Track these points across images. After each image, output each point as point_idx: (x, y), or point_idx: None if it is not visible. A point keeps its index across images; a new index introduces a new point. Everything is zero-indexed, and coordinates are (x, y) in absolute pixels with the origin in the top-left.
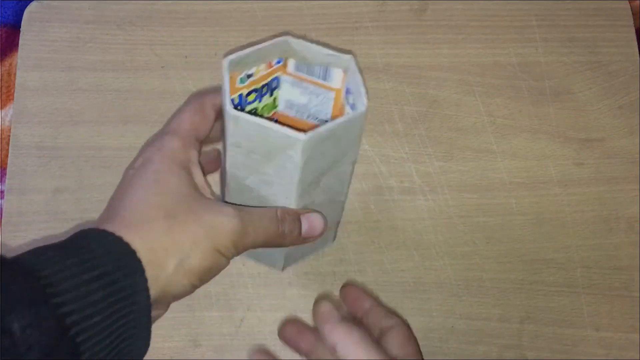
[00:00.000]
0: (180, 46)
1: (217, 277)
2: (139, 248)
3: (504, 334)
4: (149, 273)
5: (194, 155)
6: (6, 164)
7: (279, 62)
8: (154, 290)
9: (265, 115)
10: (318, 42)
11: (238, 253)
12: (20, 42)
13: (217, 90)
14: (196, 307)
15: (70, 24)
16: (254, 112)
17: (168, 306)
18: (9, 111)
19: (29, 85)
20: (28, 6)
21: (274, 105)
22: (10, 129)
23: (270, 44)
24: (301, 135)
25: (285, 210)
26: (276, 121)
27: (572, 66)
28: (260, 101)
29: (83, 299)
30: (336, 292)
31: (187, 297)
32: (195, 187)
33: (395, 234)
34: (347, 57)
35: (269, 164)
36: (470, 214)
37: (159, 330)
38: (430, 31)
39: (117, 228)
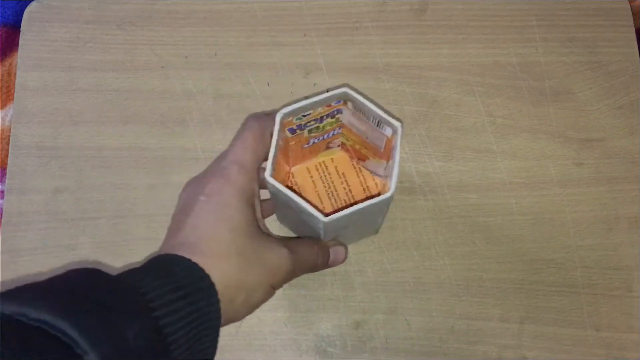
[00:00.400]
0: (180, 46)
1: None
2: (216, 280)
3: (504, 334)
4: (222, 304)
5: (256, 189)
6: (6, 164)
7: (338, 102)
8: (222, 315)
9: (328, 128)
10: (371, 100)
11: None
12: (20, 42)
13: (273, 116)
14: None
15: (70, 24)
16: (315, 128)
17: None
18: (9, 111)
19: (29, 85)
20: (28, 6)
21: (336, 122)
22: (10, 129)
23: (328, 96)
24: (322, 217)
25: (320, 246)
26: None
27: (572, 66)
28: (321, 123)
29: (174, 313)
30: (336, 292)
31: None
32: (257, 224)
33: (395, 234)
34: (397, 124)
35: (301, 215)
36: (470, 214)
37: None
38: (430, 31)
39: (196, 258)
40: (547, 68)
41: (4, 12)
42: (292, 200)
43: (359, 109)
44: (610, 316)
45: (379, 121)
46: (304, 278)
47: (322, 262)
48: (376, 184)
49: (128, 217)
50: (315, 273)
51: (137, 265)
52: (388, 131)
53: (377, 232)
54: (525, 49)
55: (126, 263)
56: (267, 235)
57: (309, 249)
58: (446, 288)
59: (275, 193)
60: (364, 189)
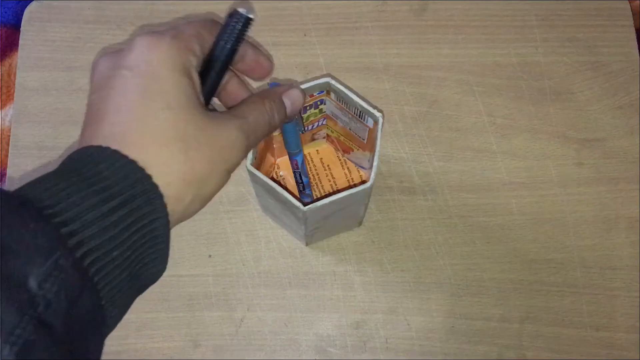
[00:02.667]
0: None
1: (217, 278)
2: (155, 175)
3: (504, 334)
4: (169, 207)
5: (194, 60)
6: (6, 164)
7: (320, 92)
8: (171, 218)
9: (312, 119)
10: (353, 91)
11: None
12: (20, 42)
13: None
14: (196, 307)
15: (70, 24)
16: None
17: None
18: (9, 111)
19: (29, 85)
20: (28, 6)
21: (320, 112)
22: (10, 129)
23: (312, 85)
24: (302, 206)
25: (271, 101)
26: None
27: (572, 66)
28: (304, 113)
29: (102, 234)
30: (336, 292)
31: (187, 297)
32: (198, 99)
33: (395, 234)
34: (377, 114)
35: (281, 204)
36: (470, 214)
37: (159, 330)
38: (430, 31)
39: (128, 151)
40: (547, 68)
41: (4, 12)
42: (273, 189)
43: (341, 99)
44: (610, 316)
45: (360, 112)
46: (304, 278)
47: (280, 117)
48: (361, 175)
49: None
50: (315, 273)
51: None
52: (370, 122)
53: (360, 224)
54: (525, 49)
55: None
56: (212, 110)
57: (260, 109)
58: (446, 288)
59: (257, 182)
60: (348, 181)
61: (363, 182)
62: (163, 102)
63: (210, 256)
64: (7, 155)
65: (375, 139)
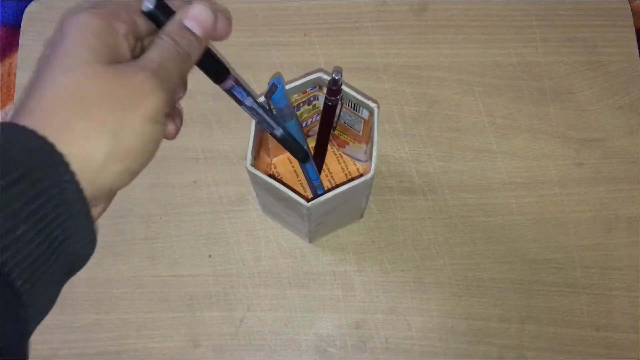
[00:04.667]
0: None
1: (217, 278)
2: (57, 140)
3: (504, 334)
4: (75, 167)
5: (120, 27)
6: None
7: (314, 88)
8: (83, 180)
9: (305, 116)
10: (347, 84)
11: (169, 108)
12: (20, 42)
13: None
14: (196, 307)
15: None
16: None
17: (110, 199)
18: (9, 111)
19: None
20: (28, 6)
21: (313, 109)
22: None
23: (305, 81)
24: (305, 202)
25: (170, 31)
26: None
27: (572, 66)
28: (298, 110)
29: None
30: (336, 292)
31: (187, 297)
32: (112, 55)
33: (395, 234)
34: (372, 105)
35: (284, 203)
36: (470, 214)
37: (158, 330)
38: (430, 31)
39: (27, 121)
40: (547, 68)
41: (4, 12)
42: (275, 188)
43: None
44: (610, 316)
45: (355, 104)
46: (304, 278)
47: (188, 43)
48: (357, 168)
49: (128, 217)
50: (315, 273)
51: None
52: (365, 113)
53: (361, 216)
54: (525, 49)
55: (126, 263)
56: (125, 62)
57: (161, 43)
58: (446, 288)
59: (258, 182)
60: (345, 175)
61: (361, 175)
62: (63, 65)
63: (210, 256)
64: None
65: (371, 130)
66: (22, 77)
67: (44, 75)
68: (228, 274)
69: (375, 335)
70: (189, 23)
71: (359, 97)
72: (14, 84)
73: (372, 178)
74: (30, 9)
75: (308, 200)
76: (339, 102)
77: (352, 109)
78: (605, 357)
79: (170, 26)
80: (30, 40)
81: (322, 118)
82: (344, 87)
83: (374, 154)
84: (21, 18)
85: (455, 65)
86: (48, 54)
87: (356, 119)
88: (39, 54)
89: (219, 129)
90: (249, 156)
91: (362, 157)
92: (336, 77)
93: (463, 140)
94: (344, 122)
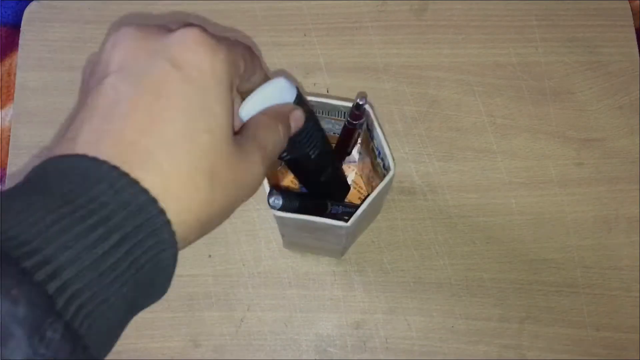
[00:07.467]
0: None
1: (217, 278)
2: (169, 208)
3: (504, 334)
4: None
5: (237, 81)
6: (6, 164)
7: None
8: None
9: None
10: (329, 96)
11: None
12: (20, 42)
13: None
14: (196, 307)
15: (71, 24)
16: None
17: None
18: (9, 111)
19: (29, 85)
20: (28, 6)
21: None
22: (10, 129)
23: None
24: (344, 224)
25: (284, 125)
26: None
27: (572, 66)
28: None
29: (95, 283)
30: (336, 292)
31: (187, 297)
32: (233, 125)
33: (395, 234)
34: (365, 106)
35: (317, 232)
36: (470, 214)
37: (158, 330)
38: (430, 31)
39: (145, 174)
40: (547, 68)
41: (4, 12)
42: (309, 221)
43: (318, 109)
44: (610, 316)
45: (345, 113)
46: (304, 278)
47: (286, 134)
48: (355, 172)
49: None
50: (315, 273)
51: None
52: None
53: (379, 212)
54: (525, 49)
55: None
56: (241, 142)
57: (276, 135)
58: (446, 288)
59: (288, 224)
60: (350, 184)
61: (359, 175)
62: (205, 123)
63: (210, 256)
64: (7, 155)
65: (371, 129)
66: (22, 77)
67: (175, 118)
68: (228, 274)
69: (375, 335)
70: (293, 124)
71: (344, 104)
72: (14, 84)
73: (394, 175)
74: (30, 9)
75: (346, 221)
76: (359, 127)
77: (340, 117)
78: (605, 357)
79: (283, 119)
80: (30, 40)
81: (339, 141)
82: (326, 100)
83: (387, 150)
84: (21, 18)
85: (455, 65)
86: (172, 72)
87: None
88: (39, 54)
89: None
90: (274, 201)
91: (355, 157)
92: (360, 102)
93: (463, 140)
94: (334, 133)
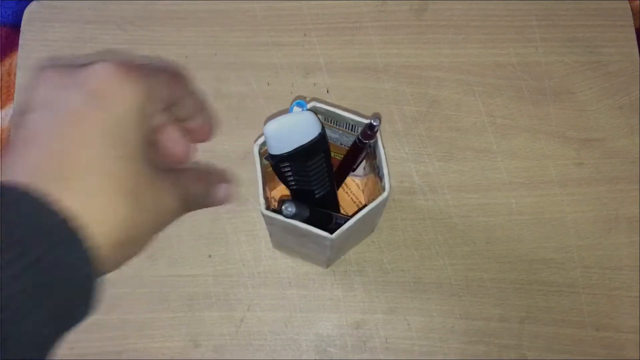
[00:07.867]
0: (180, 46)
1: (217, 278)
2: (91, 240)
3: (504, 334)
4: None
5: (158, 110)
6: None
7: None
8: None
9: None
10: (340, 107)
11: None
12: (20, 42)
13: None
14: (196, 307)
15: (71, 24)
16: None
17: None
18: (9, 111)
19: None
20: (28, 6)
21: None
22: (10, 129)
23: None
24: (328, 235)
25: (212, 185)
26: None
27: (572, 66)
28: None
29: (10, 302)
30: (336, 292)
31: (187, 297)
32: (149, 153)
33: (395, 234)
34: (375, 123)
35: (302, 238)
36: (470, 214)
37: (158, 330)
38: (430, 31)
39: (66, 195)
40: (547, 68)
41: (4, 12)
42: (294, 226)
43: (328, 118)
44: (610, 316)
45: (352, 125)
46: (304, 278)
47: (212, 201)
48: (357, 184)
49: None
50: (315, 273)
51: None
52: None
53: (372, 231)
54: (525, 49)
55: (126, 263)
56: (156, 169)
57: (202, 188)
58: (446, 288)
59: (275, 224)
60: (347, 193)
61: (361, 190)
62: (119, 150)
63: (210, 256)
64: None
65: (375, 147)
66: (22, 77)
67: (94, 144)
68: (228, 274)
69: (375, 335)
70: (219, 191)
71: (356, 118)
72: (14, 84)
73: (388, 197)
74: (30, 9)
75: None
76: (369, 147)
77: (349, 130)
78: (605, 357)
79: (214, 180)
80: (30, 41)
81: (346, 156)
82: (339, 112)
83: (385, 170)
84: (21, 18)
85: (455, 65)
86: (87, 100)
87: (353, 138)
88: (39, 54)
89: (218, 129)
90: (262, 200)
91: (360, 171)
92: (374, 123)
93: (463, 140)
94: (341, 144)
